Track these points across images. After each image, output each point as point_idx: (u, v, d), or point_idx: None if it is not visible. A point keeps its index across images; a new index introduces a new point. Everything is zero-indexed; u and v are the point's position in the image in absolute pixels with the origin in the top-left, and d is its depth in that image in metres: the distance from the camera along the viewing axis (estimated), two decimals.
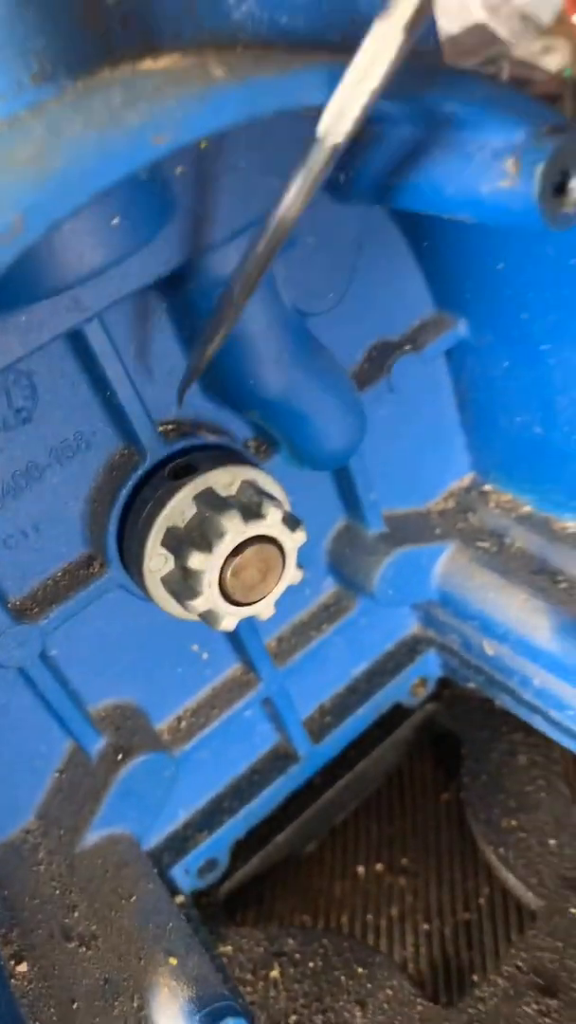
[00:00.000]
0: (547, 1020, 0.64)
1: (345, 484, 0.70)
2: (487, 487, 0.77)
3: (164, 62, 0.38)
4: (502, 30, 1.81)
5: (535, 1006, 0.64)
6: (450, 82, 0.39)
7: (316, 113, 0.43)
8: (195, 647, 0.67)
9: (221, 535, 0.52)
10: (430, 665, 0.82)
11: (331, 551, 0.73)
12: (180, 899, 0.70)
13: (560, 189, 0.41)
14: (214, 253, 0.48)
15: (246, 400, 0.57)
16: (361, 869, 0.82)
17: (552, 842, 0.73)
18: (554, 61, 1.84)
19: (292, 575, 0.57)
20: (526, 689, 0.72)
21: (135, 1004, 0.53)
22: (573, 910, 0.69)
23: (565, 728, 0.71)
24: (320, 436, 0.59)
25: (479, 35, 1.64)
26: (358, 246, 0.59)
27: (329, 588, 0.75)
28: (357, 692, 0.79)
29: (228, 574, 0.54)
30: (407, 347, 0.66)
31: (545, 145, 0.41)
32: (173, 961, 0.54)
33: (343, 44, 0.47)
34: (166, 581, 0.56)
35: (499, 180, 0.41)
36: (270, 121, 0.42)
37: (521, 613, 0.69)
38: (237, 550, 0.54)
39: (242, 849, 0.77)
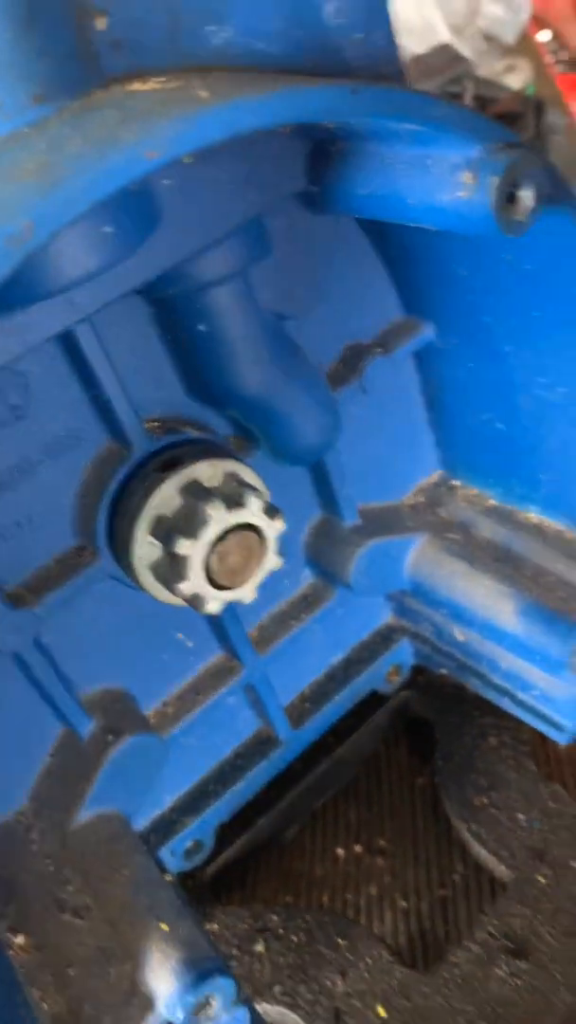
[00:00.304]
0: (518, 981, 0.67)
1: (321, 479, 0.73)
2: (455, 482, 0.81)
3: (152, 84, 0.42)
4: (467, 50, 1.88)
5: (506, 968, 0.68)
6: (412, 102, 0.43)
7: (291, 130, 0.47)
8: (180, 635, 0.71)
9: (206, 523, 0.56)
10: (404, 653, 0.86)
11: (309, 544, 0.77)
12: (168, 879, 0.72)
13: (512, 199, 0.45)
14: (196, 260, 0.52)
15: (227, 398, 0.61)
16: (340, 851, 0.85)
17: (521, 817, 0.77)
18: (517, 79, 1.91)
19: (273, 561, 0.61)
20: (494, 672, 0.76)
21: (128, 968, 0.56)
22: (541, 879, 0.72)
23: (531, 708, 0.75)
24: (296, 432, 0.63)
25: (444, 55, 1.70)
26: (330, 254, 0.64)
27: (307, 579, 0.79)
28: (335, 680, 0.83)
29: (213, 559, 0.57)
30: (378, 350, 0.70)
31: (499, 160, 0.45)
32: (164, 927, 0.57)
33: (314, 69, 0.51)
34: (154, 568, 0.59)
35: (457, 191, 0.45)
36: (247, 138, 0.46)
37: (487, 599, 0.73)
38: (221, 537, 0.57)
39: (226, 832, 0.80)
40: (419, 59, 1.65)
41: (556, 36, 2.13)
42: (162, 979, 0.54)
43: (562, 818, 0.76)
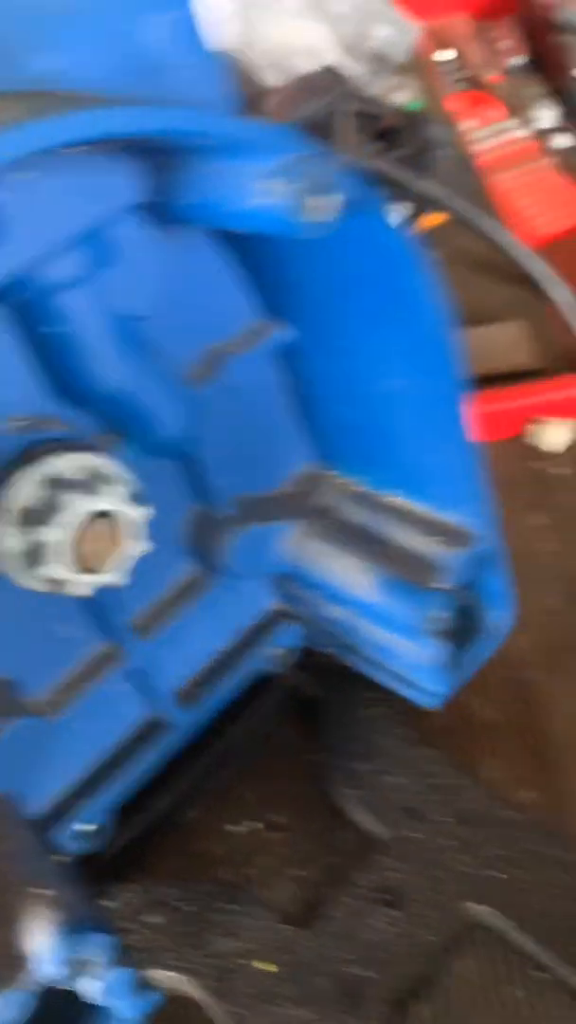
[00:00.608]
0: (393, 928, 0.73)
1: (194, 472, 0.78)
2: (327, 472, 0.87)
3: None
4: (357, 69, 1.96)
5: (383, 918, 0.73)
6: (209, 121, 0.48)
7: (118, 145, 0.52)
8: (62, 625, 0.74)
9: (65, 510, 0.60)
10: (292, 636, 0.91)
11: (187, 534, 0.81)
12: (59, 858, 0.76)
13: (312, 204, 0.51)
14: (40, 267, 0.56)
15: (87, 396, 0.65)
16: (239, 828, 0.89)
17: (397, 779, 0.82)
18: (404, 97, 2.00)
19: (139, 546, 0.65)
20: (366, 646, 0.82)
21: (8, 934, 0.59)
22: (414, 834, 0.78)
23: (401, 677, 0.81)
24: (155, 425, 0.67)
25: (329, 75, 1.77)
26: (184, 260, 0.69)
27: (188, 568, 0.83)
28: (225, 664, 0.87)
29: (77, 545, 0.61)
30: (238, 349, 0.76)
31: (299, 167, 0.51)
32: (44, 893, 0.60)
33: (142, 93, 0.57)
34: (21, 558, 0.63)
35: (261, 198, 0.50)
36: (87, 152, 0.51)
37: (356, 578, 0.79)
38: (86, 523, 0.62)
39: (124, 815, 0.84)
40: (305, 79, 1.73)
41: (458, 55, 2.23)
42: (41, 940, 0.58)
43: (434, 778, 0.82)
